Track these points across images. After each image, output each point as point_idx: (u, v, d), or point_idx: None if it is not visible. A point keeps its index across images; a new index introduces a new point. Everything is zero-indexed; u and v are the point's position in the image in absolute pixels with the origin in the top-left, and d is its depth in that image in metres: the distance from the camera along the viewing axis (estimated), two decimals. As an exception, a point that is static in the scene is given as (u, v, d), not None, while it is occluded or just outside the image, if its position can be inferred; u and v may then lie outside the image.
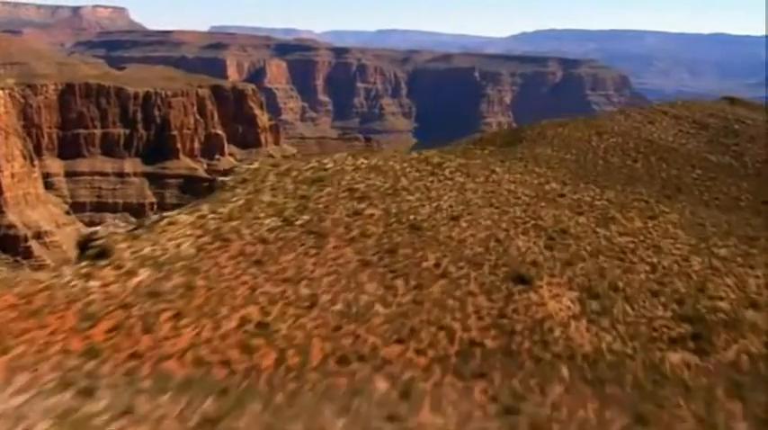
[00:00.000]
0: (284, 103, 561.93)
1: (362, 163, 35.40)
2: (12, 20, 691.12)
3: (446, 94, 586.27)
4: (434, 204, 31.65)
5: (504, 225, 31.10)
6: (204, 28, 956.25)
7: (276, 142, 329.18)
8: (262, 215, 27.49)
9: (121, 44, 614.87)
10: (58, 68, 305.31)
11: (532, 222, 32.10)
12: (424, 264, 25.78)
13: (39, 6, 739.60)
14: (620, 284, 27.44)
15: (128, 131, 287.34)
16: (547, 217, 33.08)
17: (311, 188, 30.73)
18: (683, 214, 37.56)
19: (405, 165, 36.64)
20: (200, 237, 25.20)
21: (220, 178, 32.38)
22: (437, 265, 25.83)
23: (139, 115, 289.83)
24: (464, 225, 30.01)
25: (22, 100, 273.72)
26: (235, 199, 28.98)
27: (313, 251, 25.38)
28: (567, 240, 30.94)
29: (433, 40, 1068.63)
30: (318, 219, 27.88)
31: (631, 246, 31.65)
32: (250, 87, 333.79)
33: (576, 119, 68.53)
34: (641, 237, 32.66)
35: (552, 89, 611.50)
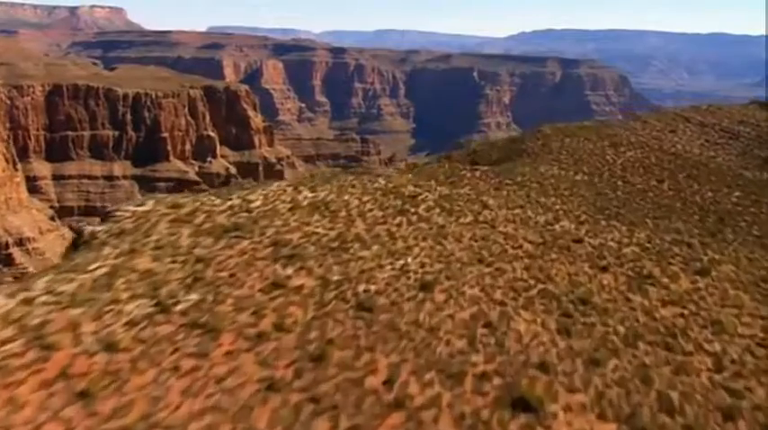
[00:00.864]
0: (281, 104, 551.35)
1: (305, 197, 25.62)
2: (8, 20, 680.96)
3: (444, 94, 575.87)
4: (399, 263, 21.87)
5: (498, 294, 21.32)
6: (202, 28, 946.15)
7: (270, 144, 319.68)
8: (125, 296, 17.63)
9: (118, 44, 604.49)
10: (46, 69, 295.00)
11: (539, 287, 22.37)
12: (369, 381, 16.00)
13: (35, 7, 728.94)
14: (675, 399, 17.70)
15: (117, 133, 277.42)
16: (559, 277, 23.31)
17: (218, 243, 20.85)
18: (739, 263, 27.86)
19: (365, 199, 26.83)
20: (5, 343, 15.41)
21: (90, 228, 22.53)
22: (389, 383, 16.06)
23: (129, 117, 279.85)
24: (440, 298, 20.26)
25: (8, 101, 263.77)
26: (95, 265, 19.09)
27: (189, 364, 15.57)
28: (590, 316, 21.20)
29: (432, 41, 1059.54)
30: (214, 299, 18.05)
31: (680, 322, 21.91)
32: (243, 88, 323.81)
33: (583, 125, 58.80)
34: (692, 307, 22.94)
35: (551, 89, 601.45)
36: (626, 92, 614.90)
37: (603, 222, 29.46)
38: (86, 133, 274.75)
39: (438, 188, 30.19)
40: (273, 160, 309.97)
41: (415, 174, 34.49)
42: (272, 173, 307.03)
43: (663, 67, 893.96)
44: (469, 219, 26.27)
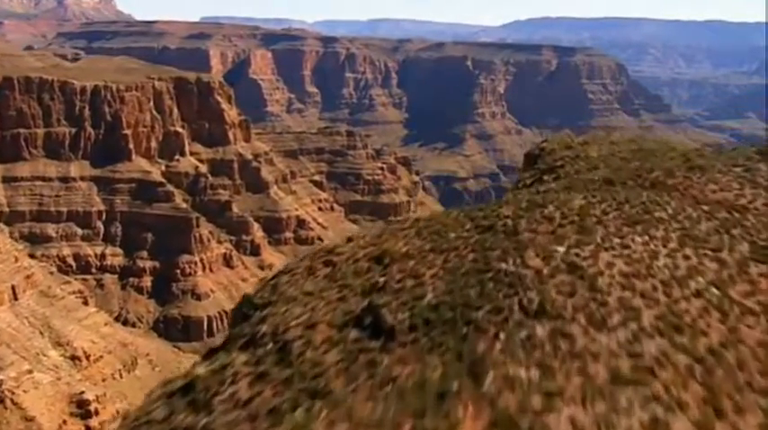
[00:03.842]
0: (270, 95, 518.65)
1: None
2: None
3: (438, 83, 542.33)
4: None
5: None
6: (195, 19, 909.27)
7: (247, 139, 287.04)
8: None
9: (103, 35, 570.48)
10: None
11: None
12: None
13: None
14: None
15: (74, 131, 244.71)
16: None
17: None
18: None
19: None
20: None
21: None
22: None
23: (87, 112, 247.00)
24: None
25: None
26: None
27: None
28: None
29: (426, 30, 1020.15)
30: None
31: None
32: (217, 79, 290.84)
33: (650, 165, 26.55)
34: None
35: (547, 78, 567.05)
36: (623, 80, 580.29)
37: None
38: (40, 130, 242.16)
39: None
40: (250, 157, 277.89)
41: None
42: (248, 170, 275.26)
43: (659, 55, 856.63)
44: None
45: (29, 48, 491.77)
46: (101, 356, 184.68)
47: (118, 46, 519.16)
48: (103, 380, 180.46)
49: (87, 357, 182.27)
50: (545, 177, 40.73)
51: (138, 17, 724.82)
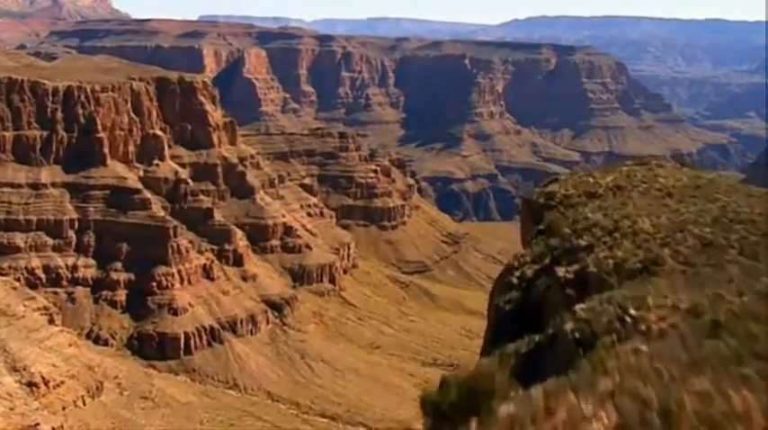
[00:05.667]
0: (264, 94, 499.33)
1: None
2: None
3: (435, 82, 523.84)
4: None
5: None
6: (193, 17, 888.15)
7: (232, 142, 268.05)
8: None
9: (96, 33, 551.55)
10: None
11: None
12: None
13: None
14: None
15: (45, 134, 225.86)
16: None
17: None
18: None
19: None
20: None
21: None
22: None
23: (60, 114, 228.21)
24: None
25: None
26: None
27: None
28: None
29: (425, 28, 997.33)
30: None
31: None
32: (200, 79, 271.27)
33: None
34: None
35: (546, 77, 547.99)
36: (623, 79, 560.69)
37: None
38: (9, 134, 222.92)
39: None
40: (235, 160, 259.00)
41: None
42: (233, 175, 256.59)
43: (658, 54, 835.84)
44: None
45: (21, 47, 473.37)
46: (62, 382, 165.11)
47: (110, 44, 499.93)
48: (63, 409, 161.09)
49: (46, 383, 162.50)
50: (560, 273, 21.68)
51: (135, 16, 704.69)
